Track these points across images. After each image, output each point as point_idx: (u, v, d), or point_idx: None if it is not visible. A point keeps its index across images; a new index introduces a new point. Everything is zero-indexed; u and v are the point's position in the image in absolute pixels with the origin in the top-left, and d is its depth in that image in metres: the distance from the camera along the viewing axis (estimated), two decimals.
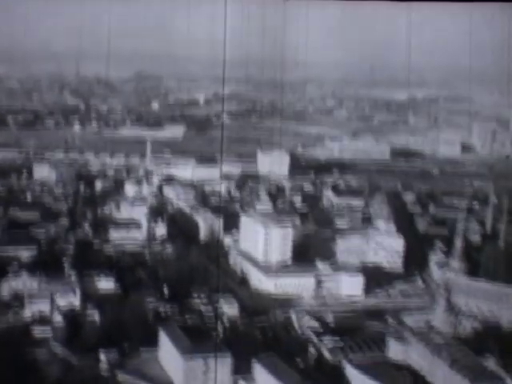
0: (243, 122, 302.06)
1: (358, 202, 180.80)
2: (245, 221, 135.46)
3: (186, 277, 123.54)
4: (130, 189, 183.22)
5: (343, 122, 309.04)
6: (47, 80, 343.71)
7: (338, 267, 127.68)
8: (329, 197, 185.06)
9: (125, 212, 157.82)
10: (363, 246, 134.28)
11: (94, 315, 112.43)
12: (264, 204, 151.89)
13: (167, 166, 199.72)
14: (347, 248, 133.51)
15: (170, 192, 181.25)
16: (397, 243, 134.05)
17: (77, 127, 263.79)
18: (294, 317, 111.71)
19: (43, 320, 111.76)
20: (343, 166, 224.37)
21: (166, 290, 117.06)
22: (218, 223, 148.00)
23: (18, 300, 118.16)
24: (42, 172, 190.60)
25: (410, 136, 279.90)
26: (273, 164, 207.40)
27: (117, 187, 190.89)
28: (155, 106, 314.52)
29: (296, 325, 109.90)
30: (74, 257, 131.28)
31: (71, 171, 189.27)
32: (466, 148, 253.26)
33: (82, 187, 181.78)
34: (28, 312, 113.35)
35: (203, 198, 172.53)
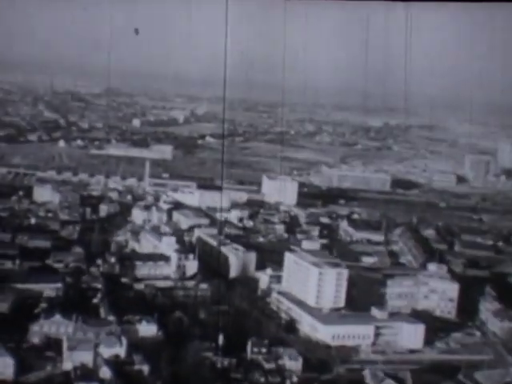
0: (228, 144, 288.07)
1: (377, 237, 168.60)
2: (290, 259, 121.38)
3: (233, 324, 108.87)
4: (138, 215, 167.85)
5: (327, 147, 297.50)
6: (19, 92, 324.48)
7: (395, 315, 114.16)
8: (346, 230, 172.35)
9: (145, 242, 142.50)
10: (414, 290, 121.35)
11: (144, 368, 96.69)
12: (312, 241, 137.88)
13: (173, 190, 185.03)
14: (397, 292, 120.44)
15: (181, 219, 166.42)
16: (450, 289, 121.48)
17: (62, 144, 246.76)
18: (367, 375, 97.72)
19: (87, 373, 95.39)
20: (347, 196, 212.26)
21: (220, 341, 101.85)
22: (250, 258, 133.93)
23: (51, 347, 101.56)
24: (44, 194, 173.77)
25: (397, 164, 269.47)
26: (280, 192, 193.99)
27: (122, 212, 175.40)
28: (136, 123, 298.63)
29: None
30: (105, 296, 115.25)
31: (75, 195, 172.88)
32: (459, 179, 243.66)
33: (87, 212, 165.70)
34: (68, 363, 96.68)
35: (219, 228, 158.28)
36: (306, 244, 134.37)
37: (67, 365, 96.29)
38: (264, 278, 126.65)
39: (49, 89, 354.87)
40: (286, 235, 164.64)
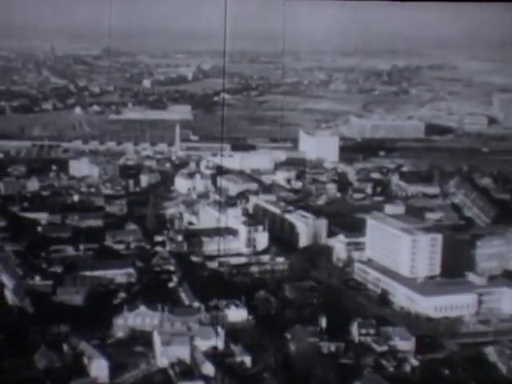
0: (244, 98, 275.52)
1: (432, 189, 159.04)
2: (374, 226, 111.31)
3: (325, 302, 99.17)
4: (181, 183, 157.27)
5: (345, 96, 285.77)
6: (19, 59, 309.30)
7: (494, 279, 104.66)
8: (399, 184, 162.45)
9: (205, 215, 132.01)
10: (504, 249, 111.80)
11: (246, 359, 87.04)
12: (396, 205, 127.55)
13: (212, 155, 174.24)
14: (488, 253, 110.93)
15: (228, 185, 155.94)
16: None
17: (78, 111, 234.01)
18: (492, 353, 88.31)
19: (187, 370, 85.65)
20: (386, 147, 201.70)
21: (323, 323, 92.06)
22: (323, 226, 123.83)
23: (138, 341, 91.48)
24: (81, 168, 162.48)
25: (420, 108, 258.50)
26: (321, 148, 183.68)
27: (163, 181, 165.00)
28: (147, 83, 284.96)
29: (502, 366, 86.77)
30: (183, 279, 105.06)
31: (114, 167, 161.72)
32: (489, 120, 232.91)
33: (130, 184, 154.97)
34: (163, 359, 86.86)
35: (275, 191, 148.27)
36: (389, 208, 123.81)
37: (162, 361, 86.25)
38: (339, 245, 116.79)
39: (50, 53, 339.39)
40: (338, 195, 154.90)
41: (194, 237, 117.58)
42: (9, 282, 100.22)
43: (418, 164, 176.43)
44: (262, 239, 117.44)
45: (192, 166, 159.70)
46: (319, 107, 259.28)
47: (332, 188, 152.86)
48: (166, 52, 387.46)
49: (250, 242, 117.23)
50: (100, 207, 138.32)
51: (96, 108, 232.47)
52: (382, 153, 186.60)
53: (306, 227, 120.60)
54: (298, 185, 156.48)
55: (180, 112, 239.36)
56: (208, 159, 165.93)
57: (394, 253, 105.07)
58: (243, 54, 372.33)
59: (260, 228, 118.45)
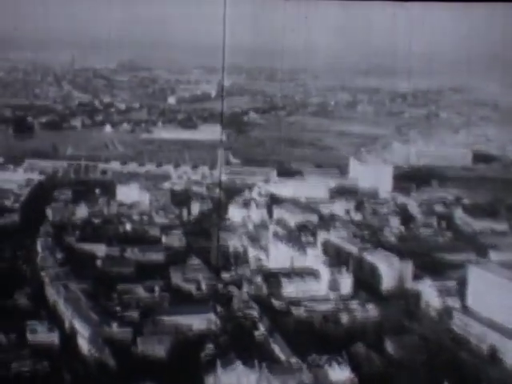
0: (273, 119, 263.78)
1: (500, 226, 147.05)
2: (479, 274, 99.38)
3: (436, 363, 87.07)
4: (235, 213, 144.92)
5: (375, 118, 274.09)
6: (37, 71, 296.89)
7: None
8: (463, 218, 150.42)
9: (276, 251, 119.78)
10: None
11: None
12: (500, 251, 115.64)
13: (264, 181, 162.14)
14: None
15: (286, 216, 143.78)
16: None
17: (108, 129, 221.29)
18: None
19: None
20: (437, 176, 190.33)
21: None
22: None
23: None
24: (130, 194, 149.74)
25: (455, 134, 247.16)
26: (373, 176, 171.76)
27: (216, 209, 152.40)
28: (172, 100, 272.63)
29: None
30: (273, 329, 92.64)
31: (165, 192, 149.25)
32: None
33: (183, 212, 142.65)
34: None
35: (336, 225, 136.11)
36: (494, 254, 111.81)
37: None
38: (429, 291, 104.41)
39: (70, 66, 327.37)
40: (402, 228, 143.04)
41: (272, 277, 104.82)
42: (83, 329, 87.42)
43: (474, 195, 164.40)
44: (345, 282, 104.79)
45: (246, 193, 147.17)
46: (352, 130, 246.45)
47: (395, 221, 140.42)
48: (183, 67, 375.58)
49: (334, 285, 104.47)
50: (156, 238, 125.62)
51: (126, 126, 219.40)
52: (434, 182, 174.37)
53: (389, 269, 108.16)
54: (357, 216, 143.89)
55: (211, 132, 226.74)
56: (260, 186, 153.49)
57: (505, 306, 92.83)
58: (261, 71, 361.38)
59: (343, 269, 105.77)
